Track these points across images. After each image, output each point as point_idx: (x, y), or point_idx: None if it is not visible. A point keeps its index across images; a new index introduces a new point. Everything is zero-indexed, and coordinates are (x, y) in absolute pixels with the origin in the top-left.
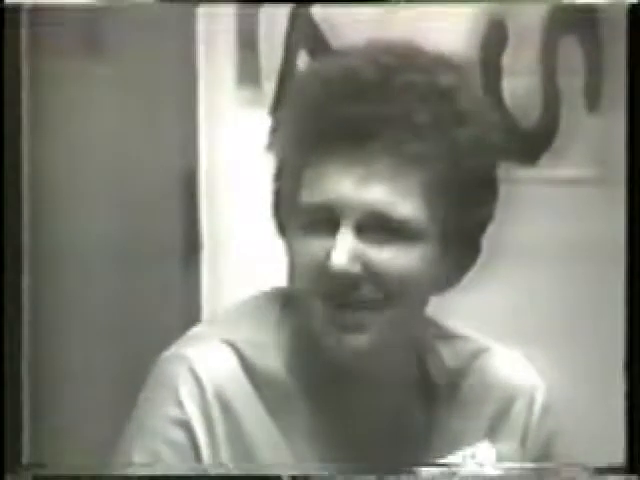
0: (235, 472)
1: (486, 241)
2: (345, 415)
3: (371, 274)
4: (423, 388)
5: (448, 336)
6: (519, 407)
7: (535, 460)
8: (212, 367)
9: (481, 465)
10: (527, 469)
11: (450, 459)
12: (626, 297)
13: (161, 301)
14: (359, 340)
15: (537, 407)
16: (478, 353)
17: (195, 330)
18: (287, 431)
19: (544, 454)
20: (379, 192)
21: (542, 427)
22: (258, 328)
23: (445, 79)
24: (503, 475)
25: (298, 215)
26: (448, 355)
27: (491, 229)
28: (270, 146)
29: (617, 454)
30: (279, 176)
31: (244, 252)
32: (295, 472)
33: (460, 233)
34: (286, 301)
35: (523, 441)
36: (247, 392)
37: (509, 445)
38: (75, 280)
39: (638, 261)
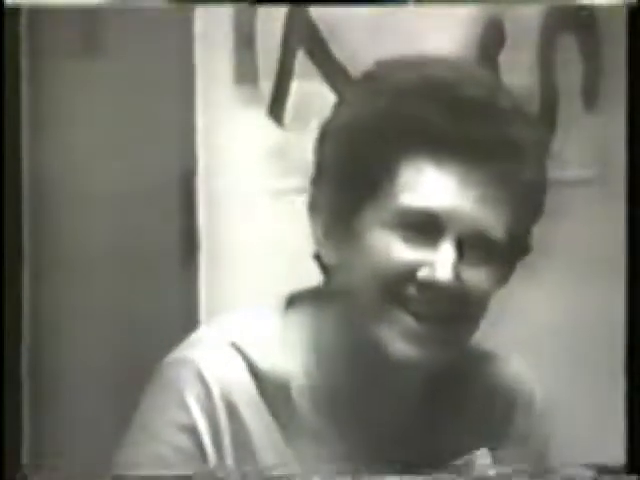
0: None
1: None
2: (353, 421)
3: (462, 292)
4: (432, 392)
5: None
6: (520, 412)
7: (532, 463)
8: (219, 371)
9: (481, 470)
10: (527, 470)
11: (451, 464)
12: (626, 297)
13: (159, 303)
14: (431, 354)
15: (536, 411)
16: (482, 359)
17: (200, 333)
18: (293, 437)
19: (540, 457)
20: (488, 214)
21: (541, 431)
22: (266, 332)
23: (527, 106)
24: (502, 476)
25: (388, 214)
26: (456, 361)
27: None
28: (345, 129)
29: (617, 454)
30: (347, 162)
31: (242, 253)
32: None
33: (516, 254)
34: (300, 304)
35: (523, 446)
36: (254, 397)
37: (510, 450)
38: (74, 281)
39: (638, 261)
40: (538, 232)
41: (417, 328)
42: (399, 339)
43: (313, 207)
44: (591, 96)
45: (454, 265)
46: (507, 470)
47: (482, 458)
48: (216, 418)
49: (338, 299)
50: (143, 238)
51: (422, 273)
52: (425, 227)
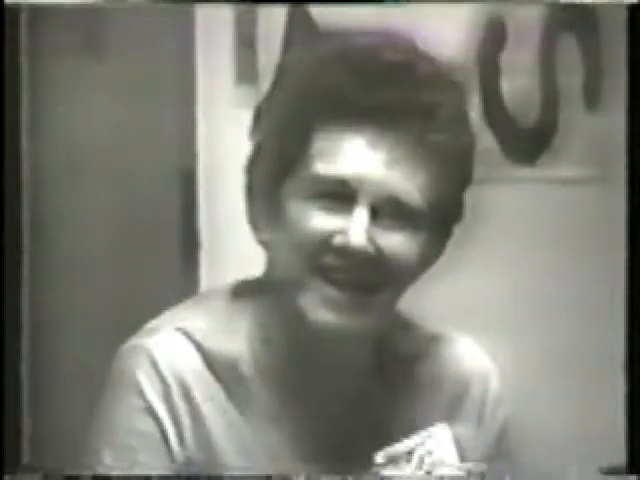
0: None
1: (486, 241)
2: (306, 402)
3: (379, 257)
4: (381, 374)
5: (405, 324)
6: (474, 392)
7: (491, 444)
8: (170, 355)
9: (439, 446)
10: (525, 467)
11: (408, 442)
12: (626, 296)
13: (160, 301)
14: (355, 321)
15: (491, 392)
16: (433, 340)
17: (153, 322)
18: (248, 415)
19: (500, 438)
20: (399, 178)
21: (497, 411)
22: (210, 317)
23: (454, 75)
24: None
25: (304, 184)
26: (404, 342)
27: (489, 229)
28: (266, 105)
29: (617, 454)
30: (270, 133)
31: (242, 251)
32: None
33: (445, 220)
34: (242, 288)
35: (479, 425)
36: (207, 380)
37: (465, 428)
38: (74, 279)
39: (638, 260)
40: (539, 230)
41: (337, 296)
42: (320, 307)
43: (247, 190)
44: (592, 96)
45: (367, 230)
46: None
47: (441, 432)
48: (173, 402)
49: (271, 276)
50: (144, 238)
51: (337, 240)
52: (339, 194)
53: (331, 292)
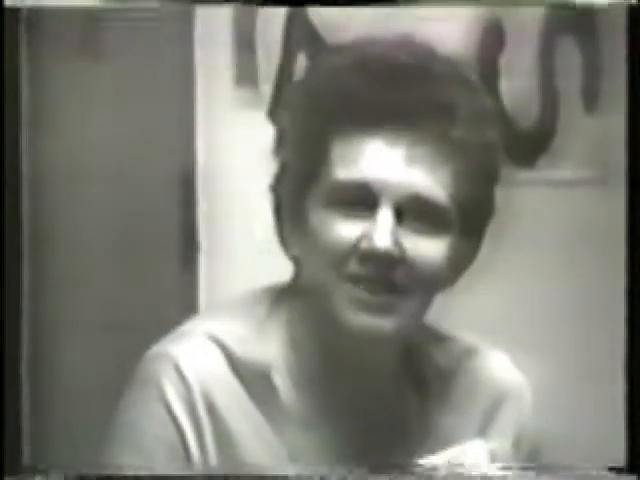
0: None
1: (485, 242)
2: (339, 410)
3: (405, 259)
4: (415, 386)
5: (438, 337)
6: (509, 407)
7: (525, 459)
8: (197, 364)
9: (474, 461)
10: (526, 469)
11: (442, 455)
12: (626, 298)
13: (159, 302)
14: (387, 322)
15: (526, 407)
16: (467, 353)
17: (181, 327)
18: (278, 423)
19: (534, 454)
20: (421, 177)
21: (532, 426)
22: (244, 323)
23: (467, 71)
24: (499, 474)
25: (326, 192)
26: (438, 355)
27: (489, 230)
28: (280, 115)
29: (617, 454)
30: (290, 148)
31: (241, 253)
32: (289, 472)
33: (474, 220)
34: (276, 295)
35: (516, 440)
36: (234, 388)
37: (501, 443)
38: (74, 280)
39: (638, 262)
40: (537, 232)
41: (368, 299)
42: (351, 310)
43: (275, 210)
44: (591, 97)
45: (392, 232)
46: (505, 467)
47: (477, 448)
48: (196, 410)
49: (302, 283)
50: (143, 238)
51: (363, 245)
52: (362, 199)
53: (362, 295)
